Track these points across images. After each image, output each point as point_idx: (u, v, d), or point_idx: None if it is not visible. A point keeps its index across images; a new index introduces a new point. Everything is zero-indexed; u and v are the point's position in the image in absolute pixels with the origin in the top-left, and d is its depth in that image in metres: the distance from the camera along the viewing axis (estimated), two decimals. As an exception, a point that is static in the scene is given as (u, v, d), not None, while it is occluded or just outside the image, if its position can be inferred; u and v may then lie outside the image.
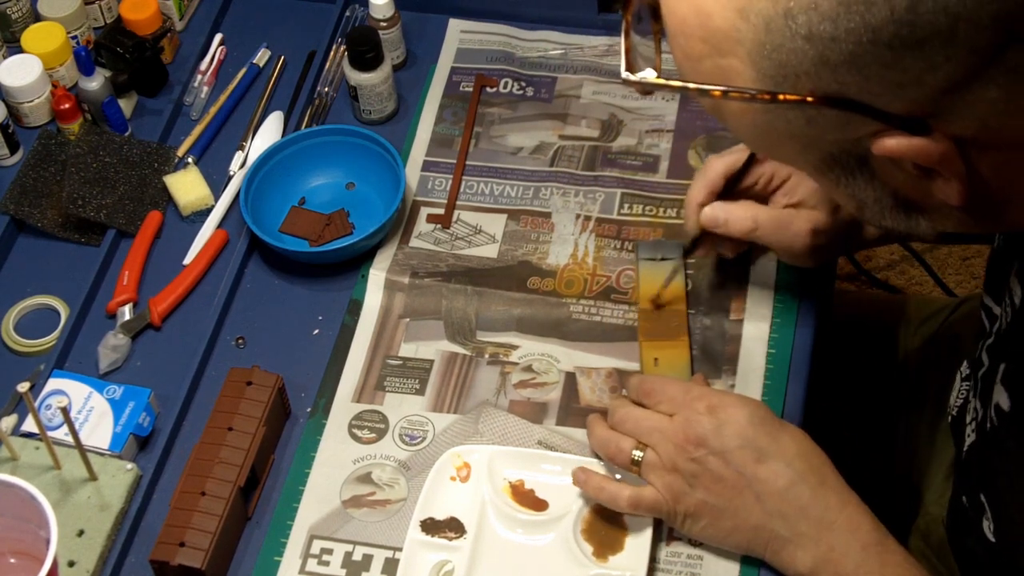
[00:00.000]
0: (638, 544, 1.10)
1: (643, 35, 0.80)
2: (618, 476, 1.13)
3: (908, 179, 0.75)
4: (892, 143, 0.71)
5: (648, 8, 0.79)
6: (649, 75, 0.77)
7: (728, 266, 1.28)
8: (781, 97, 0.71)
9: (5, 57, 1.45)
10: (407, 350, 1.26)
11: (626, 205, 1.34)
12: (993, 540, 0.99)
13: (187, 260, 1.34)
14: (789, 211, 1.18)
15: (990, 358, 1.01)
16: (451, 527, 1.13)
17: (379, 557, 1.13)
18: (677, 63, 0.77)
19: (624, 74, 0.77)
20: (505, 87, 1.45)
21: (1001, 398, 0.96)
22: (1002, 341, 0.99)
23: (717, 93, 0.73)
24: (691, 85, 0.75)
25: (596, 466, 1.14)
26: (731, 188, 1.18)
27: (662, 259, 1.28)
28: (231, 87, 1.48)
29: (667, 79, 0.76)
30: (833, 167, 0.77)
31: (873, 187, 0.77)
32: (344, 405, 1.22)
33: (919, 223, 0.79)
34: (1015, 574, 0.97)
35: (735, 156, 1.19)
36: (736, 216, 1.17)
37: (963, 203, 0.74)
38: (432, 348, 1.26)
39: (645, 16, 0.80)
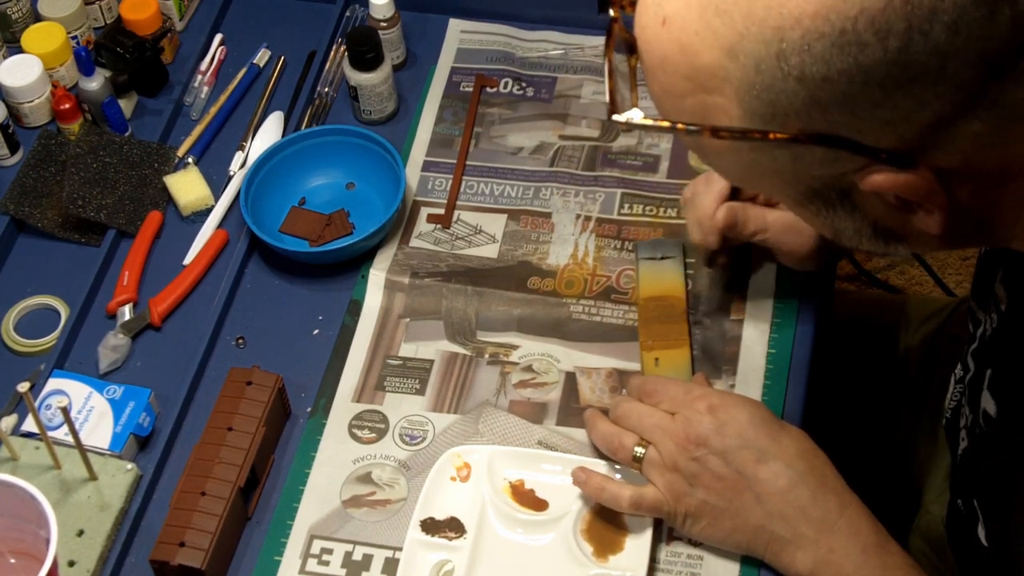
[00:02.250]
0: (638, 544, 1.10)
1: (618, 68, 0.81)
2: (618, 475, 1.13)
3: (889, 210, 0.76)
4: (879, 179, 0.72)
5: (624, 43, 0.79)
6: (635, 116, 0.77)
7: (729, 266, 1.28)
8: (771, 136, 0.71)
9: (5, 57, 1.45)
10: (407, 350, 1.26)
11: (626, 205, 1.34)
12: (986, 545, 0.99)
13: (187, 260, 1.34)
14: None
15: (976, 363, 1.01)
16: (451, 527, 1.13)
17: (379, 557, 1.13)
18: (655, 98, 0.77)
19: (613, 116, 0.77)
20: (505, 87, 1.46)
21: (988, 404, 0.96)
22: (987, 346, 0.99)
23: (706, 133, 0.73)
24: (680, 125, 0.75)
25: (596, 466, 1.14)
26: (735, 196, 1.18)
27: (662, 258, 1.28)
28: (231, 87, 1.48)
29: (655, 120, 0.76)
30: (814, 200, 0.78)
31: (853, 219, 0.78)
32: (344, 405, 1.22)
33: (897, 249, 0.80)
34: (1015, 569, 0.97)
35: None
36: (751, 216, 1.16)
37: (942, 233, 0.75)
38: (432, 348, 1.26)
39: (620, 50, 0.79)
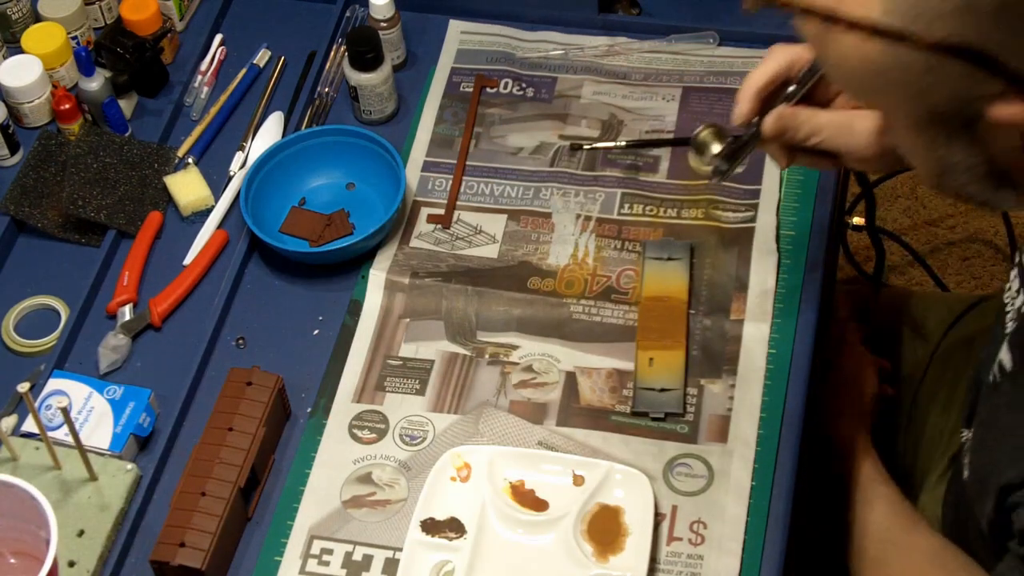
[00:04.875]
0: (638, 544, 1.10)
1: None
2: (618, 475, 1.13)
3: (1012, 149, 0.69)
4: (1013, 110, 0.65)
5: None
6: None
7: (729, 266, 1.28)
8: (912, 38, 0.64)
9: (5, 58, 1.45)
10: (407, 350, 1.26)
11: (626, 205, 1.34)
12: (966, 476, 0.98)
13: (187, 260, 1.34)
14: (851, 112, 1.07)
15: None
16: (451, 527, 1.13)
17: (379, 557, 1.13)
18: None
19: None
20: (505, 87, 1.45)
21: (1005, 357, 0.95)
22: None
23: (842, 24, 0.66)
24: (818, 5, 0.67)
25: (597, 466, 1.14)
26: (783, 90, 1.10)
27: (668, 259, 1.28)
28: (231, 87, 1.48)
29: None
30: (934, 124, 0.71)
31: (970, 152, 0.71)
32: (344, 405, 1.22)
33: (1007, 196, 0.74)
34: (980, 501, 0.96)
35: (802, 48, 1.09)
36: (801, 121, 1.07)
37: None
38: (432, 348, 1.26)
39: None
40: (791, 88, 1.09)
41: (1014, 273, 1.00)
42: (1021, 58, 0.64)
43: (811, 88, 1.09)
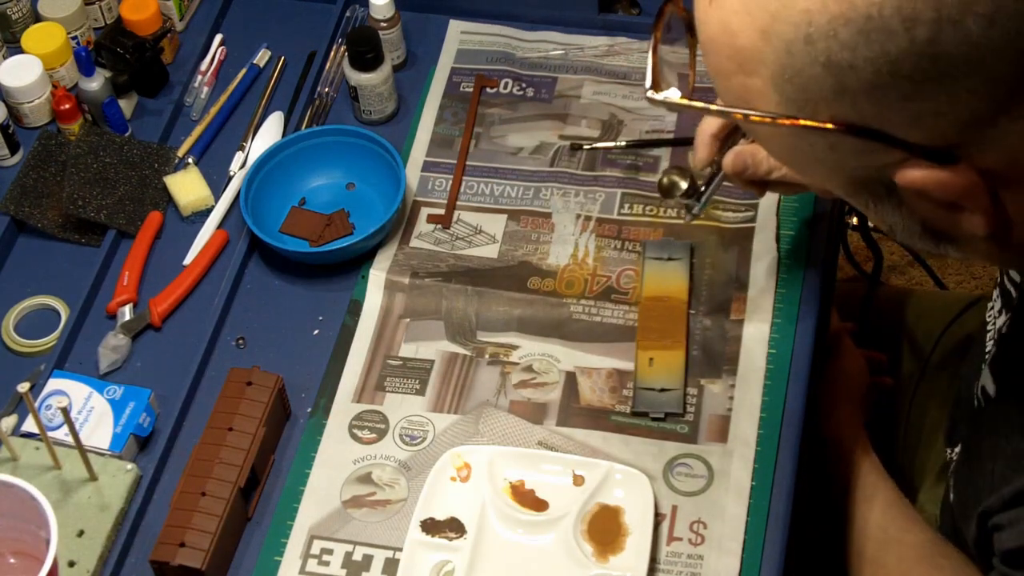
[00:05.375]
0: (638, 544, 1.10)
1: (671, 44, 0.78)
2: (619, 475, 1.13)
3: (935, 209, 0.72)
4: (915, 175, 0.68)
5: (683, 22, 0.78)
6: (673, 95, 0.74)
7: (729, 266, 1.28)
8: (801, 122, 0.69)
9: (5, 57, 1.45)
10: (407, 350, 1.26)
11: (626, 205, 1.34)
12: (952, 498, 0.99)
13: (187, 260, 1.34)
14: None
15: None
16: (451, 527, 1.13)
17: (379, 557, 1.13)
18: (711, 77, 0.75)
19: (649, 93, 0.75)
20: (505, 87, 1.45)
21: (987, 382, 0.96)
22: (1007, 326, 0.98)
23: (739, 115, 0.71)
24: (713, 107, 0.73)
25: (597, 466, 1.14)
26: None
27: (669, 259, 1.28)
28: (231, 87, 1.48)
29: (690, 101, 0.74)
30: (862, 192, 0.75)
31: (901, 213, 0.74)
32: (344, 405, 1.22)
33: (948, 250, 0.76)
34: (964, 524, 0.97)
35: None
36: (760, 158, 1.11)
37: (991, 235, 0.71)
38: (432, 348, 1.26)
39: (677, 29, 0.77)
40: None
41: (996, 292, 1.01)
42: (901, 128, 0.67)
43: None
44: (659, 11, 0.78)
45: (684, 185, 1.14)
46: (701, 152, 1.13)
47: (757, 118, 0.71)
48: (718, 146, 1.12)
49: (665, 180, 1.14)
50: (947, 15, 0.62)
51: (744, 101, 0.71)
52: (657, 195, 1.34)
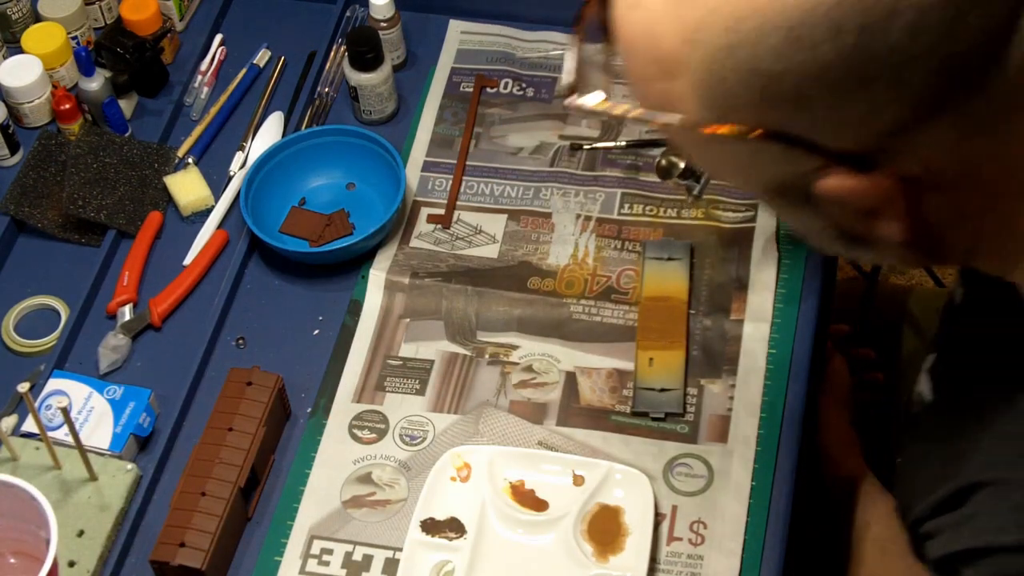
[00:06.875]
0: (638, 544, 1.10)
1: (595, 44, 0.78)
2: (619, 475, 1.13)
3: (851, 214, 0.73)
4: (833, 183, 0.69)
5: (601, 24, 0.77)
6: (589, 100, 0.74)
7: (729, 266, 1.28)
8: (724, 129, 0.69)
9: (5, 58, 1.45)
10: (407, 350, 1.26)
11: (626, 205, 1.34)
12: (895, 506, 0.99)
13: (187, 260, 1.34)
14: None
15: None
16: (451, 527, 1.13)
17: (379, 557, 1.13)
18: (629, 81, 0.74)
19: (568, 99, 0.74)
20: (505, 87, 1.45)
21: (925, 387, 0.96)
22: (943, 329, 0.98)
23: (660, 122, 0.71)
24: (633, 113, 0.72)
25: (597, 466, 1.14)
26: None
27: (668, 259, 1.28)
28: (231, 87, 1.48)
29: (611, 105, 0.74)
30: (779, 197, 0.75)
31: (816, 219, 0.75)
32: (344, 405, 1.22)
33: (863, 254, 0.78)
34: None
35: None
36: None
37: (906, 241, 0.72)
38: (432, 348, 1.26)
39: (592, 32, 0.77)
40: None
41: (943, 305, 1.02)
42: (824, 135, 0.67)
43: None
44: (578, 13, 0.77)
45: (682, 165, 1.14)
46: None
47: (678, 124, 0.70)
48: None
49: (663, 161, 1.15)
50: (872, 25, 0.62)
51: (665, 106, 0.71)
52: (658, 195, 1.35)
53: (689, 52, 0.68)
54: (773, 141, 0.68)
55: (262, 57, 1.51)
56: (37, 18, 1.50)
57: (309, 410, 1.22)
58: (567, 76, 0.75)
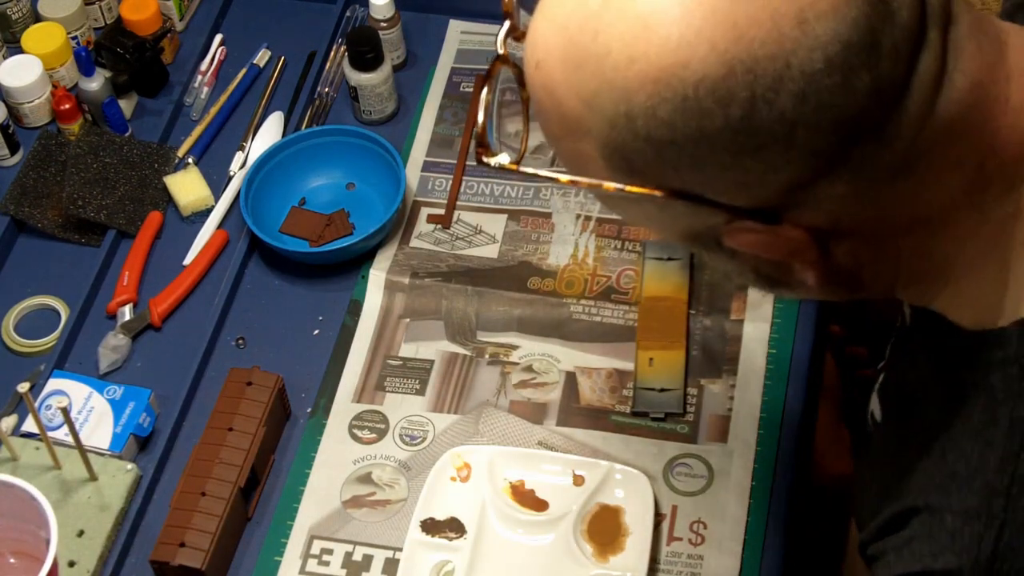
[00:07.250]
0: (638, 544, 1.10)
1: (507, 104, 0.80)
2: (619, 475, 1.13)
3: (766, 262, 0.75)
4: (741, 237, 0.71)
5: (517, 80, 0.79)
6: (502, 159, 0.76)
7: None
8: (628, 189, 0.70)
9: (5, 57, 1.45)
10: (407, 350, 1.26)
11: (626, 205, 1.34)
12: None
13: (187, 260, 1.34)
14: None
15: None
16: (451, 527, 1.13)
17: (379, 557, 1.13)
18: (545, 138, 0.77)
19: (483, 159, 0.76)
20: (505, 87, 1.45)
21: (875, 407, 0.96)
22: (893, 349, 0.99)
23: (567, 180, 0.73)
24: (542, 173, 0.75)
25: (597, 466, 1.14)
26: None
27: (668, 259, 1.28)
28: (231, 87, 1.48)
29: (520, 166, 0.76)
30: (695, 244, 0.77)
31: (732, 263, 0.77)
32: (344, 405, 1.22)
33: (783, 293, 0.80)
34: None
35: None
36: None
37: (819, 285, 0.74)
38: (432, 348, 1.26)
39: (511, 89, 0.79)
40: None
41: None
42: (725, 194, 0.69)
43: None
44: (489, 69, 0.78)
45: None
46: None
47: (586, 183, 0.72)
48: None
49: None
50: (760, 95, 0.64)
51: (578, 163, 0.73)
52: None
53: (589, 116, 0.70)
54: (677, 199, 0.70)
55: (262, 57, 1.51)
56: (37, 18, 1.50)
57: (309, 410, 1.22)
58: (473, 137, 0.78)
